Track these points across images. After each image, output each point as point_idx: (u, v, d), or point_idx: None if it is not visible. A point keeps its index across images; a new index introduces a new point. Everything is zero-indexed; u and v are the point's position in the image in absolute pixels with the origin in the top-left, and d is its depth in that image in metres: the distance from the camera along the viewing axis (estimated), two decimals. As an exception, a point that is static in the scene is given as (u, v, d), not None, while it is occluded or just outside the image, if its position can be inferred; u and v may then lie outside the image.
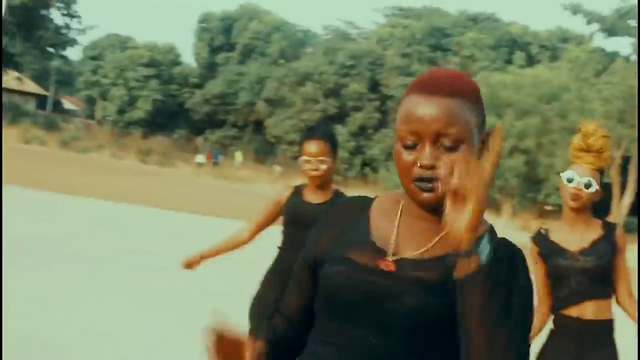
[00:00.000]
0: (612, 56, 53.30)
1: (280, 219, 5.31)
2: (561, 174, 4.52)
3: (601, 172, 4.53)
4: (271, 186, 44.76)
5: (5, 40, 58.10)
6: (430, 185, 1.93)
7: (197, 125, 73.60)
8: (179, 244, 13.70)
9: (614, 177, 47.07)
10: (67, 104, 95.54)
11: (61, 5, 58.96)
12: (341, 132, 61.62)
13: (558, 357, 4.51)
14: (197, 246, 5.84)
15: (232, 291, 10.36)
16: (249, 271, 8.11)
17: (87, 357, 6.97)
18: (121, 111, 73.49)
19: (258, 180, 48.61)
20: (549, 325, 4.63)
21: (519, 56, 63.80)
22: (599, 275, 4.47)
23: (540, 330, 4.66)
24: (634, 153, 46.29)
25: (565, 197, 4.50)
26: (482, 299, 1.77)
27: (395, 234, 2.04)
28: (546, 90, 48.52)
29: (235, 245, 5.40)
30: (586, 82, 48.03)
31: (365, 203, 2.16)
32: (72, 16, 60.87)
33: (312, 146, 5.05)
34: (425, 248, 2.00)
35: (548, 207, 53.54)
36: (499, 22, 70.71)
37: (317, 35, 78.60)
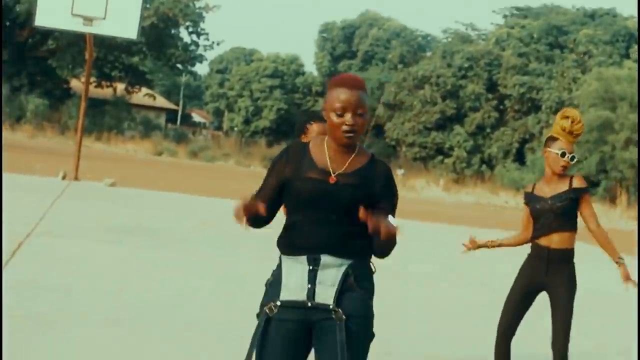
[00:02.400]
0: None
1: None
2: (549, 141, 6.28)
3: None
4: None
5: (137, 59, 61.41)
6: (352, 134, 3.91)
7: (321, 132, 75.55)
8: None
9: None
10: (196, 116, 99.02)
11: (190, 24, 61.71)
12: (459, 131, 62.73)
13: (530, 273, 6.46)
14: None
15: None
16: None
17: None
18: (247, 121, 76.00)
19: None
20: (527, 250, 6.56)
21: (635, 50, 63.68)
22: (562, 214, 6.30)
23: (514, 245, 6.77)
24: None
25: (554, 165, 6.35)
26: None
27: (329, 161, 3.98)
28: (659, 82, 48.62)
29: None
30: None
31: (305, 145, 4.09)
32: (199, 34, 63.52)
33: (317, 126, 6.03)
34: (345, 166, 3.98)
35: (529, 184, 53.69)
36: (618, 17, 70.38)
37: (436, 39, 79.62)
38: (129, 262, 11.61)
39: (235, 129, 77.34)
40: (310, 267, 3.86)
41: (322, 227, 3.89)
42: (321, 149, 4.00)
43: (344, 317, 3.82)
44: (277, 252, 4.03)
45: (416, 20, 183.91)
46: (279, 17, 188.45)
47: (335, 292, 3.84)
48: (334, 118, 3.88)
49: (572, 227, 6.34)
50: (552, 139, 6.33)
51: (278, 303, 3.89)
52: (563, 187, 6.33)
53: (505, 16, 77.09)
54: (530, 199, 6.45)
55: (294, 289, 3.88)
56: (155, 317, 8.34)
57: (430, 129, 63.94)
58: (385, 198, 3.95)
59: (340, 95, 3.86)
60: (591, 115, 48.80)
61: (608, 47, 63.55)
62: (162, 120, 75.19)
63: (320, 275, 3.85)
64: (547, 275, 6.32)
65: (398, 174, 57.46)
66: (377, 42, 77.88)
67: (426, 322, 10.02)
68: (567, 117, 6.32)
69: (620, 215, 44.86)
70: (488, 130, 63.25)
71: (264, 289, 3.96)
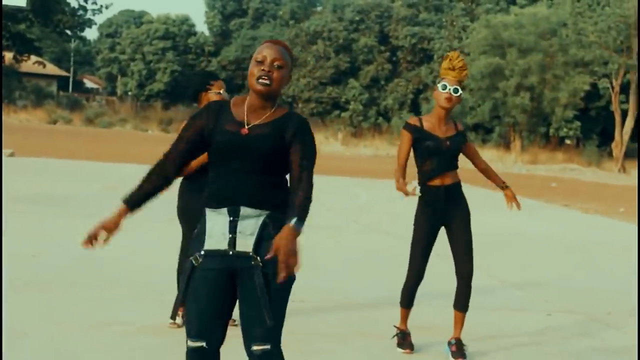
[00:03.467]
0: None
1: None
2: (437, 84, 6.64)
3: (461, 85, 6.68)
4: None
5: (23, 27, 60.01)
6: (266, 81, 4.11)
7: (217, 92, 75.24)
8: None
9: (614, 104, 48.42)
10: (88, 82, 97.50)
11: (76, -13, 60.49)
12: (354, 85, 63.23)
13: (432, 215, 6.69)
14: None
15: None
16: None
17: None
18: (141, 85, 75.24)
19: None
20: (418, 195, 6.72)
21: (521, -2, 64.91)
22: (455, 155, 6.67)
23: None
24: (633, 79, 47.52)
25: (440, 100, 6.64)
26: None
27: (246, 115, 4.21)
28: (546, 27, 49.79)
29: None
30: (582, 16, 49.14)
31: (226, 103, 4.33)
32: (86, -2, 62.38)
33: (219, 83, 7.01)
34: (262, 119, 4.20)
35: (568, 142, 55.14)
36: (503, -37, 71.38)
37: (326, -7, 79.79)
38: (39, 229, 11.68)
39: (130, 93, 76.56)
40: (231, 219, 4.10)
41: (239, 178, 4.13)
42: (241, 105, 4.24)
43: (261, 263, 4.04)
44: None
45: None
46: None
47: (254, 241, 4.08)
48: (253, 67, 4.14)
49: (457, 166, 6.72)
50: (439, 81, 6.70)
51: (202, 252, 4.13)
52: (451, 129, 6.66)
53: (392, -32, 77.46)
54: (422, 134, 6.58)
55: (216, 239, 4.13)
56: (73, 279, 8.51)
57: (326, 84, 64.31)
58: (297, 149, 4.14)
59: (262, 49, 4.17)
60: (482, 63, 49.78)
61: (495, -5, 64.58)
62: (53, 88, 73.97)
63: (240, 225, 4.09)
64: (447, 212, 6.64)
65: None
66: (268, -1, 77.78)
67: (335, 270, 10.39)
68: (447, 57, 6.71)
69: (514, 160, 46.12)
70: (382, 82, 63.93)
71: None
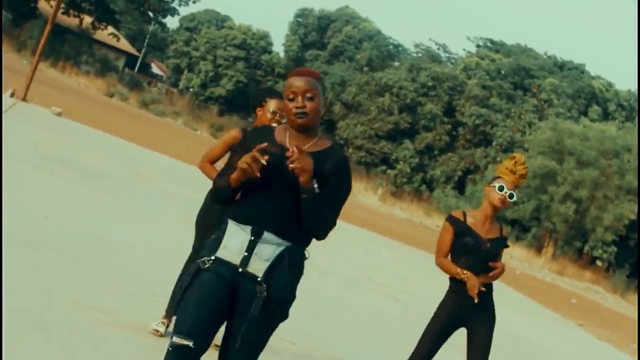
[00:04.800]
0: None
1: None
2: (494, 183, 6.33)
3: (516, 190, 6.42)
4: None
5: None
6: (302, 115, 4.15)
7: (274, 115, 75.44)
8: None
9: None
10: (155, 68, 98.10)
11: (169, -26, 61.17)
12: (408, 147, 63.08)
13: (456, 309, 6.34)
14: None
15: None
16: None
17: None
18: (204, 85, 75.67)
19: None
20: (446, 285, 6.44)
21: (594, 110, 64.64)
22: (491, 258, 6.30)
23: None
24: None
25: (493, 199, 6.32)
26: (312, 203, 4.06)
27: (288, 141, 4.21)
28: (610, 146, 49.47)
29: None
30: (650, 146, 48.75)
31: (270, 128, 4.36)
32: (178, -14, 63.06)
33: (276, 102, 6.74)
34: (305, 147, 4.14)
35: (599, 264, 54.49)
36: (585, 73, 71.28)
37: (407, 50, 79.95)
38: (60, 193, 11.50)
39: (191, 89, 76.88)
40: (252, 238, 4.09)
41: (270, 203, 4.12)
42: (284, 133, 4.27)
43: (265, 293, 4.02)
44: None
45: (391, 27, 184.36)
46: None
47: (267, 267, 4.06)
48: (288, 104, 4.18)
49: (492, 269, 6.38)
50: (496, 177, 6.42)
51: (212, 257, 4.12)
52: (495, 232, 6.35)
53: (478, 46, 77.66)
54: (463, 229, 6.31)
55: (231, 251, 4.11)
56: (74, 252, 8.29)
57: (381, 137, 64.23)
58: (330, 184, 4.12)
59: (292, 83, 4.19)
60: (538, 162, 49.47)
61: (569, 101, 64.39)
62: (120, 63, 74.22)
63: (259, 247, 4.08)
64: (472, 312, 6.31)
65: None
66: (349, 39, 77.91)
67: (335, 322, 10.08)
68: (513, 158, 6.43)
69: (542, 265, 45.57)
70: (436, 152, 63.72)
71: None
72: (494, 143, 61.56)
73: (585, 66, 73.15)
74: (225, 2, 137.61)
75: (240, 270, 4.08)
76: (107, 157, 18.04)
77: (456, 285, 6.36)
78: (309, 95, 4.15)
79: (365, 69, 70.16)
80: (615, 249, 51.67)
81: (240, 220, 4.15)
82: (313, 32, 79.84)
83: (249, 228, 4.11)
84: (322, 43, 79.97)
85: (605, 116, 65.61)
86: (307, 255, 4.24)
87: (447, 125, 64.09)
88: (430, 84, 64.74)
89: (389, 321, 11.44)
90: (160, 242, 10.74)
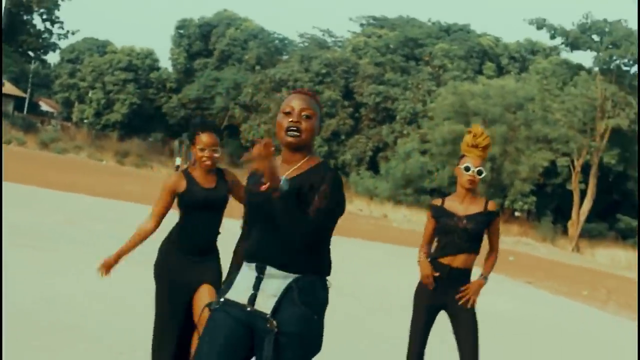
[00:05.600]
0: (576, 69, 54.85)
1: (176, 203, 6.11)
2: (460, 164, 6.14)
3: (484, 163, 6.28)
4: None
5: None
6: (295, 132, 3.94)
7: (173, 129, 74.69)
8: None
9: (574, 184, 48.63)
10: (44, 106, 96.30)
11: (43, 10, 59.90)
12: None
13: (431, 294, 6.20)
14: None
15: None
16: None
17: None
18: (98, 114, 74.47)
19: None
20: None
21: (489, 67, 65.42)
22: (473, 235, 6.11)
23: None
24: (595, 161, 47.83)
25: (462, 180, 6.19)
26: (284, 203, 3.77)
27: (280, 163, 4.00)
28: (512, 100, 50.05)
29: (143, 236, 5.99)
30: (550, 94, 49.52)
31: None
32: (53, 22, 61.81)
33: (206, 137, 6.05)
34: (289, 172, 3.96)
35: (517, 214, 55.20)
36: (472, 33, 72.07)
37: (293, 42, 79.75)
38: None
39: (86, 121, 75.55)
40: (257, 275, 3.95)
41: (268, 237, 3.95)
42: (278, 160, 4.05)
43: (276, 329, 3.83)
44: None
45: (273, 23, 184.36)
46: (134, 10, 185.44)
47: (275, 303, 3.87)
48: (281, 119, 3.98)
49: (477, 250, 6.20)
50: (461, 156, 6.24)
51: (222, 300, 4.01)
52: (477, 207, 6.17)
53: (362, 25, 77.97)
54: (441, 213, 6.21)
55: (239, 291, 3.99)
56: (23, 318, 7.80)
57: (286, 133, 63.95)
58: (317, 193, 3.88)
59: (290, 100, 4.04)
60: (445, 129, 49.80)
61: (462, 62, 65.05)
62: (9, 107, 72.68)
63: (264, 283, 3.93)
64: (448, 295, 6.15)
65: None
66: (234, 42, 77.34)
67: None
68: (470, 132, 6.26)
69: (469, 228, 45.86)
70: (343, 137, 63.75)
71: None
72: (397, 117, 61.82)
73: (470, 26, 74.03)
74: (102, 28, 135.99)
75: (249, 309, 3.93)
76: (26, 210, 17.34)
77: (431, 264, 6.23)
78: (306, 113, 3.97)
79: (257, 67, 69.81)
80: (534, 198, 52.41)
81: (248, 259, 4.05)
82: (197, 41, 79.01)
83: (254, 265, 3.98)
84: (208, 50, 79.21)
85: (500, 71, 66.47)
86: (328, 284, 4.04)
87: (349, 109, 64.14)
88: (324, 71, 64.74)
89: (354, 324, 11.14)
90: (104, 291, 10.24)
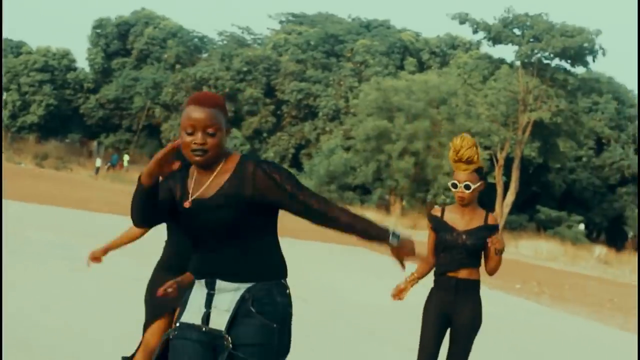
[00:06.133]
0: (498, 63, 55.38)
1: None
2: (450, 182, 5.88)
3: (478, 170, 5.88)
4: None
5: None
6: (200, 154, 3.63)
7: (92, 130, 73.56)
8: (93, 240, 14.54)
9: (497, 177, 49.06)
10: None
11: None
12: (236, 135, 62.57)
13: (440, 305, 5.94)
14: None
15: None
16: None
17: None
18: (14, 116, 72.92)
19: (155, 183, 48.77)
20: (431, 284, 6.04)
21: (410, 62, 65.62)
22: (473, 251, 5.84)
23: (427, 273, 6.12)
24: (517, 154, 48.31)
25: (456, 198, 5.91)
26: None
27: (193, 183, 3.75)
28: (435, 95, 50.26)
29: (131, 238, 5.78)
30: (473, 88, 49.88)
31: (188, 166, 3.84)
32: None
33: None
34: (204, 187, 3.71)
35: (437, 207, 55.45)
36: (391, 28, 72.31)
37: (212, 40, 79.09)
38: None
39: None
40: (208, 291, 3.73)
41: (212, 249, 3.73)
42: (193, 170, 3.83)
43: (231, 345, 3.64)
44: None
45: (192, 21, 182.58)
46: (49, 9, 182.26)
47: (229, 318, 3.66)
48: (185, 137, 3.67)
49: (478, 263, 5.94)
50: (453, 172, 5.98)
51: (178, 324, 3.79)
52: (477, 222, 5.92)
53: (281, 22, 77.75)
54: (440, 226, 5.94)
55: (192, 312, 3.77)
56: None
57: (207, 132, 63.50)
58: (287, 197, 3.71)
59: (191, 113, 3.67)
60: (369, 125, 49.81)
61: (384, 58, 65.16)
62: None
63: (216, 299, 3.71)
64: (456, 305, 5.92)
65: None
66: (153, 41, 76.34)
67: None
68: (451, 147, 5.90)
69: (394, 224, 45.90)
70: (265, 134, 63.46)
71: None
72: (320, 114, 61.71)
73: (389, 22, 74.31)
74: (16, 29, 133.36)
75: (204, 329, 3.71)
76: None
77: (436, 281, 5.99)
78: (210, 131, 3.64)
79: (177, 66, 69.05)
80: (456, 191, 52.67)
81: (196, 276, 3.81)
82: (115, 41, 77.78)
83: (203, 282, 3.75)
84: (126, 50, 78.07)
85: (421, 66, 66.71)
86: (287, 290, 3.79)
87: (271, 106, 63.87)
88: (245, 69, 64.36)
89: (308, 327, 10.82)
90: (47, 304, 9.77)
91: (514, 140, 48.55)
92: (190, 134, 3.63)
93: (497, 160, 49.37)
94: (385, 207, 52.65)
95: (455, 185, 5.85)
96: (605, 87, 61.69)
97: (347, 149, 55.06)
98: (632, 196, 59.38)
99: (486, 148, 50.58)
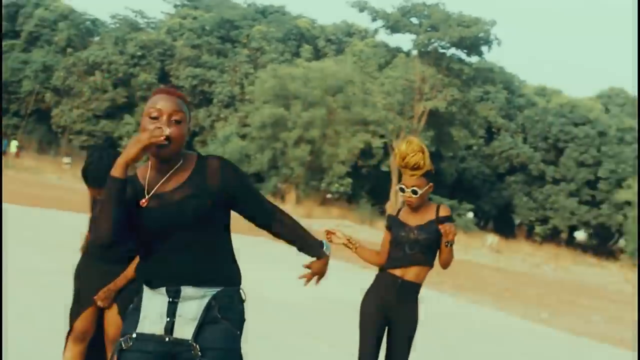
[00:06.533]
0: (395, 52, 55.81)
1: None
2: (397, 186, 5.88)
3: (427, 173, 5.79)
4: (59, 176, 44.46)
5: None
6: (165, 142, 3.51)
7: (-21, 114, 71.71)
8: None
9: (392, 165, 49.44)
10: None
11: None
12: (130, 121, 61.68)
13: (380, 303, 5.83)
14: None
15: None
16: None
17: None
18: None
19: (45, 171, 47.76)
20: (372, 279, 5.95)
21: (306, 49, 65.53)
22: (427, 246, 5.79)
23: (369, 262, 6.00)
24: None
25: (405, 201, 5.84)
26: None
27: (147, 182, 3.64)
28: (332, 83, 50.34)
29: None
30: (369, 76, 50.09)
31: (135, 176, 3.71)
32: None
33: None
34: (162, 184, 3.62)
35: (329, 196, 55.62)
36: (287, 15, 72.15)
37: (105, 24, 77.61)
38: None
39: None
40: (170, 300, 3.57)
41: (174, 254, 3.58)
42: (146, 169, 3.71)
43: (199, 353, 3.54)
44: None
45: (83, 3, 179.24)
46: None
47: (196, 327, 3.57)
48: (147, 124, 3.57)
49: (431, 263, 5.89)
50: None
51: (134, 335, 3.60)
52: (429, 216, 5.86)
53: (176, 6, 76.82)
54: (394, 223, 5.91)
55: (152, 321, 3.60)
56: None
57: (100, 117, 62.49)
58: (244, 199, 3.72)
59: (157, 101, 3.61)
60: (265, 112, 49.66)
61: (280, 45, 64.97)
62: None
63: (181, 308, 3.57)
64: (397, 305, 5.84)
65: (64, 161, 55.37)
66: (43, 23, 74.46)
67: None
68: (397, 154, 5.82)
69: (290, 212, 45.76)
70: (159, 120, 62.67)
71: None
72: (214, 101, 61.26)
73: (285, 8, 74.11)
74: None
75: (167, 339, 3.56)
76: None
77: (379, 277, 5.89)
78: (175, 117, 3.57)
79: (69, 50, 67.57)
80: (350, 180, 52.92)
81: (153, 285, 3.61)
82: (3, 22, 75.76)
83: (163, 289, 3.58)
84: (15, 32, 76.02)
85: (317, 53, 66.70)
86: (244, 297, 3.74)
87: (165, 92, 63.09)
88: (139, 53, 63.39)
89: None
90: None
91: (408, 129, 49.00)
92: (155, 119, 3.55)
93: (392, 149, 49.74)
94: (280, 196, 52.56)
95: (402, 190, 5.79)
96: (498, 77, 62.76)
97: (243, 137, 54.78)
98: (521, 184, 60.65)
99: (380, 137, 50.91)
